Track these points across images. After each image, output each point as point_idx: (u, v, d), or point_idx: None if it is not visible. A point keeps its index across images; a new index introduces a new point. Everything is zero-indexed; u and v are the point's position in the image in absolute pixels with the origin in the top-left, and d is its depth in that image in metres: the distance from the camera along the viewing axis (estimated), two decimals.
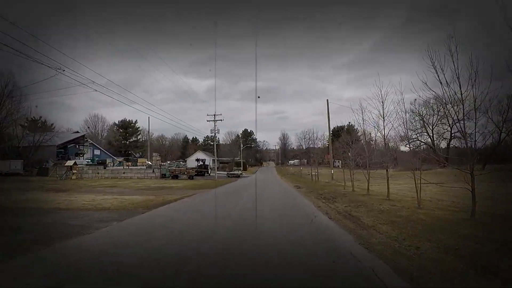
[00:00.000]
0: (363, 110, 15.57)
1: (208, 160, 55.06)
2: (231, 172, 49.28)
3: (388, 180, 13.25)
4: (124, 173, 40.68)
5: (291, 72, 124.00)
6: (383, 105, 12.91)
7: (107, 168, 43.62)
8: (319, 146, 59.35)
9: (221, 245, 5.79)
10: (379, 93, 13.00)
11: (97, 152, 58.29)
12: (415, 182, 10.70)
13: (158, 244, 5.83)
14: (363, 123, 15.81)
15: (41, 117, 57.71)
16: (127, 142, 77.79)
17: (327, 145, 57.71)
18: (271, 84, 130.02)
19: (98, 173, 40.13)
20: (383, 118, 13.04)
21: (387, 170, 13.33)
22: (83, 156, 51.47)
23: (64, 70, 13.83)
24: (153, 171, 40.44)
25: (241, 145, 74.17)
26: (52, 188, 23.00)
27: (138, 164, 50.14)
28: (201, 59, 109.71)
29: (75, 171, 37.02)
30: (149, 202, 13.07)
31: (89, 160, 48.93)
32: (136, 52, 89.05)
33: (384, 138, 13.63)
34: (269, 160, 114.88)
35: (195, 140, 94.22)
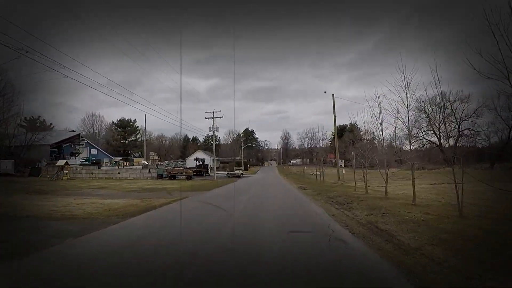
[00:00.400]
0: (379, 99, 13.44)
1: (208, 160, 53.00)
2: (231, 172, 47.22)
3: (414, 181, 11.10)
4: (119, 173, 38.74)
5: (293, 71, 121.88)
6: (407, 91, 10.71)
7: (101, 168, 41.73)
8: (321, 145, 57.28)
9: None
10: (402, 77, 10.79)
11: (94, 151, 56.45)
12: (455, 183, 8.54)
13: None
14: (380, 114, 13.63)
15: (39, 116, 56.14)
16: (126, 141, 75.93)
17: (329, 144, 55.56)
18: (272, 83, 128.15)
19: (92, 173, 38.20)
20: (407, 107, 10.86)
21: (412, 170, 11.19)
22: (78, 155, 49.59)
23: (27, 52, 11.81)
24: (149, 171, 38.47)
25: (242, 144, 72.16)
26: (36, 189, 21.05)
27: (134, 164, 48.25)
28: (203, 59, 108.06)
29: (67, 171, 35.11)
30: (130, 208, 11.03)
31: (84, 160, 47.08)
32: (137, 52, 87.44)
33: (409, 131, 11.47)
34: (271, 160, 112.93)
35: (195, 139, 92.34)
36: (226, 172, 47.72)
